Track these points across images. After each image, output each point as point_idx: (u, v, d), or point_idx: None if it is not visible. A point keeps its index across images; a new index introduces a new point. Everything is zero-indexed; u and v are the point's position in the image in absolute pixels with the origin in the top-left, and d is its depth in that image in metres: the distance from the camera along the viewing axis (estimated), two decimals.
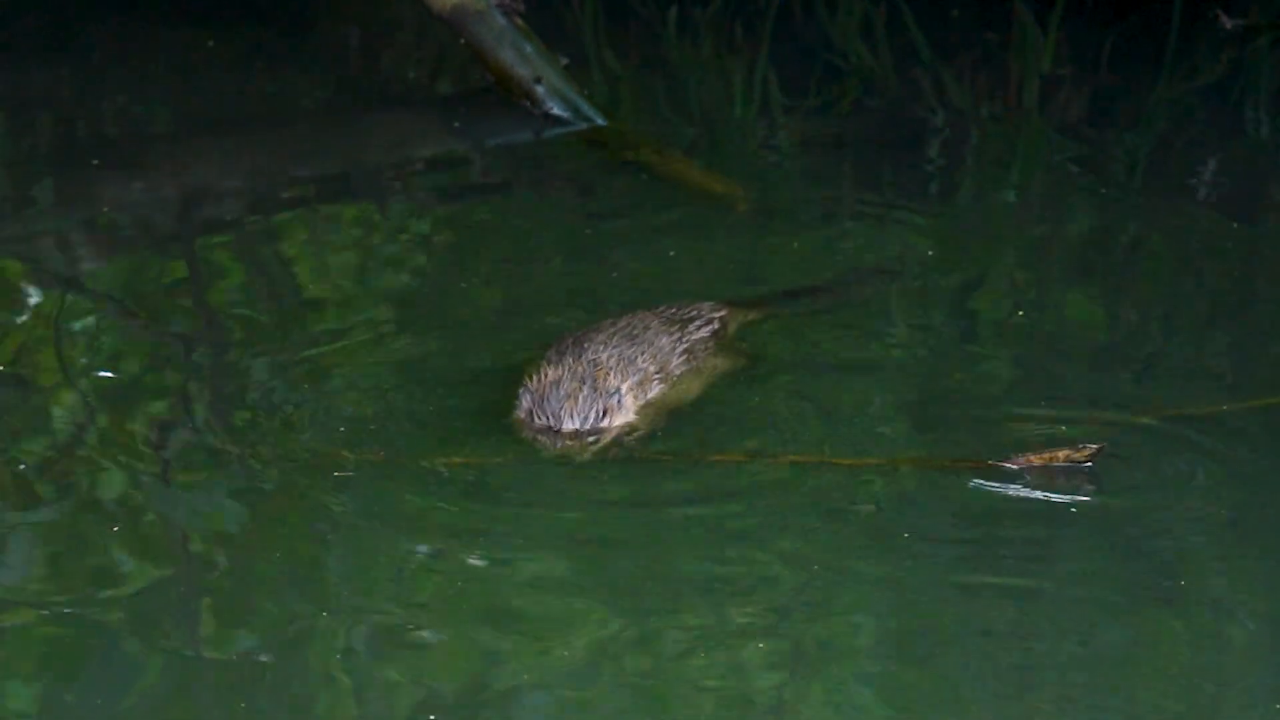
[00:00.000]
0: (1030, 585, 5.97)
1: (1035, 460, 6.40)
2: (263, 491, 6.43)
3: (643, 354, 7.19)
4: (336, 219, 8.66)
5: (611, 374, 6.96)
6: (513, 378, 7.02)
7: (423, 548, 6.22)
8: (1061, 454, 6.40)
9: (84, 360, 7.29)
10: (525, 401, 6.89)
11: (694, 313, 7.53)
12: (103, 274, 8.07)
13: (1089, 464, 6.40)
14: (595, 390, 6.89)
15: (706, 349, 7.42)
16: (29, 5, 11.55)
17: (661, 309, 7.51)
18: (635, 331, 7.28)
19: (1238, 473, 6.53)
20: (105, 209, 8.68)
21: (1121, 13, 11.38)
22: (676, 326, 7.40)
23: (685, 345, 7.34)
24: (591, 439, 6.81)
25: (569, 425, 6.82)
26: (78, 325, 7.57)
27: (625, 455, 6.71)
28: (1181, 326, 7.63)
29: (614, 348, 7.14)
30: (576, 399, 6.85)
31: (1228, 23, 10.88)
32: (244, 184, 9.04)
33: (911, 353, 7.36)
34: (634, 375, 7.06)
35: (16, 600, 5.91)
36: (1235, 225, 8.50)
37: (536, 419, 6.83)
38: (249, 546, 6.19)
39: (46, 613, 5.86)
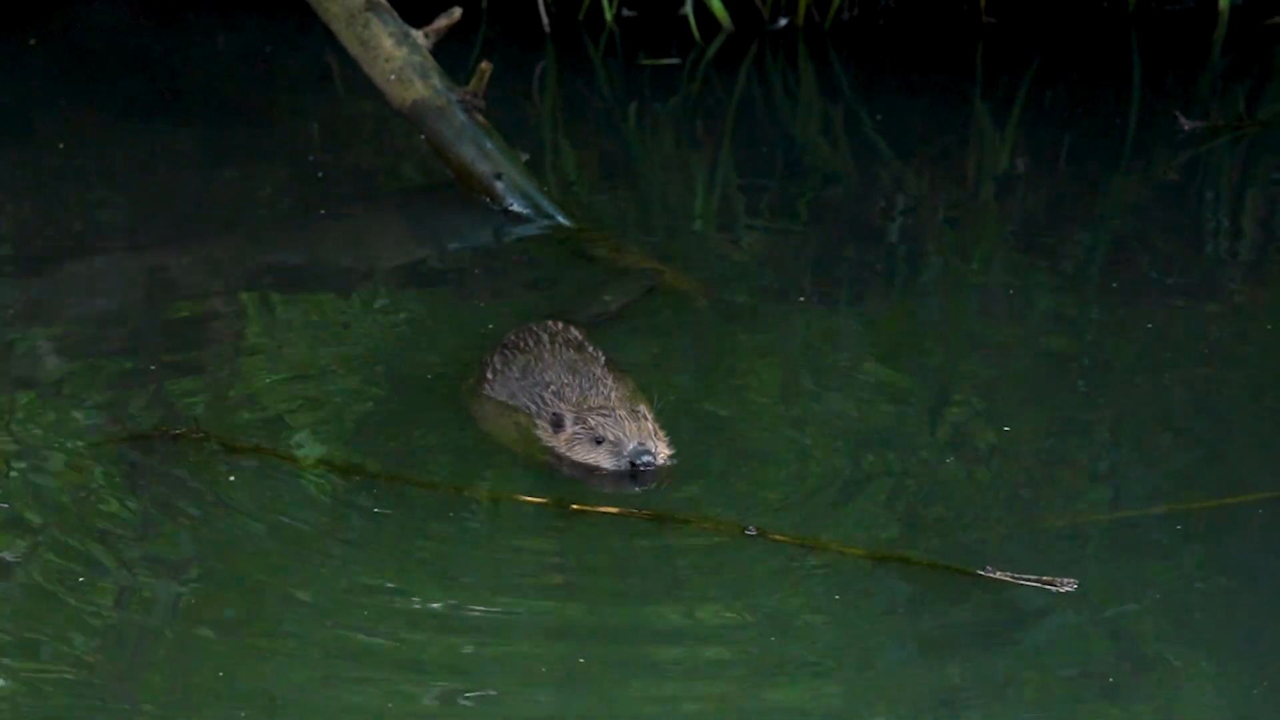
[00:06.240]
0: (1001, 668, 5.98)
1: (1008, 578, 6.38)
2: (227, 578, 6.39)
3: (598, 387, 7.19)
4: (295, 310, 8.64)
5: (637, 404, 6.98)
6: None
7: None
8: (1037, 581, 6.39)
9: (42, 439, 7.27)
10: (608, 436, 6.82)
11: (576, 336, 7.52)
12: (63, 365, 8.04)
13: (1061, 590, 6.38)
14: (644, 418, 6.88)
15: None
16: None
17: (544, 338, 7.51)
18: (578, 365, 7.26)
19: (1192, 571, 6.53)
20: (65, 297, 8.66)
21: (1079, 112, 11.47)
22: (589, 354, 7.40)
23: (614, 373, 7.36)
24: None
25: (663, 452, 6.80)
26: (37, 410, 7.54)
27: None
28: (1140, 425, 7.63)
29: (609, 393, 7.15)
30: (646, 428, 6.81)
31: (1186, 124, 10.96)
32: (204, 277, 9.02)
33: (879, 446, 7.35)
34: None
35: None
36: (1189, 324, 8.52)
37: (625, 452, 6.77)
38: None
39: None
